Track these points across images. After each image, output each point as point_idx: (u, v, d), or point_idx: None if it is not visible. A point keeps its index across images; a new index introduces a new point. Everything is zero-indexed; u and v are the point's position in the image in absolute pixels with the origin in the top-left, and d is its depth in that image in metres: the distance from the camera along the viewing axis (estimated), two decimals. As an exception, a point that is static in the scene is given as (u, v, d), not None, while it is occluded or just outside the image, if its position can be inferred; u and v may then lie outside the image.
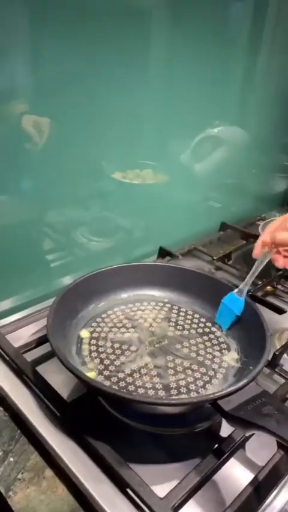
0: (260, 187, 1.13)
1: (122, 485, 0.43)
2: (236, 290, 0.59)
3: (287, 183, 1.16)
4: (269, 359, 0.57)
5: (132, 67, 0.70)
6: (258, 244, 0.56)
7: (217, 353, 0.55)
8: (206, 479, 0.44)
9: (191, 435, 0.49)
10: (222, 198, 1.03)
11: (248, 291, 0.61)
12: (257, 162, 1.09)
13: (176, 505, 0.40)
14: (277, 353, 0.57)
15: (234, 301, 0.59)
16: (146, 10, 0.69)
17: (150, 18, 0.70)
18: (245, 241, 0.92)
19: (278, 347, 0.58)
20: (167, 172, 0.87)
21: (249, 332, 0.55)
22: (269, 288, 0.77)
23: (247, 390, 0.44)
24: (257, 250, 0.56)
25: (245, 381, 0.44)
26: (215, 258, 0.82)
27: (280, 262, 0.57)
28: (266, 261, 0.57)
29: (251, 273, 0.59)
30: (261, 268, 0.58)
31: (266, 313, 0.67)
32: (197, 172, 0.95)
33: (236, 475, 0.46)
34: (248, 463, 0.47)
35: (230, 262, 0.84)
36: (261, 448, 0.48)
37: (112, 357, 0.53)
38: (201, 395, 0.48)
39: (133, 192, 0.84)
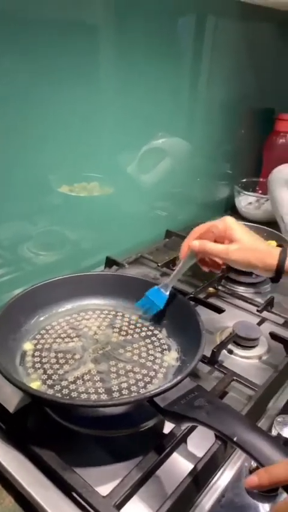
0: (204, 194, 1.18)
1: (66, 489, 0.44)
2: (160, 285, 0.63)
3: (229, 190, 1.22)
4: (208, 356, 0.60)
5: (79, 82, 0.73)
6: (184, 247, 0.60)
7: (158, 354, 0.58)
8: (148, 474, 0.46)
9: (135, 435, 0.51)
10: (168, 206, 1.07)
11: (176, 288, 0.65)
12: (200, 171, 1.14)
13: (118, 502, 0.42)
14: (215, 350, 0.60)
15: (158, 296, 0.62)
16: (94, 25, 0.72)
17: (98, 32, 0.73)
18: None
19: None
20: (114, 184, 0.90)
21: (188, 332, 0.58)
22: (211, 289, 0.81)
23: (182, 386, 0.47)
24: (183, 253, 0.60)
25: (178, 378, 0.47)
26: (159, 264, 0.85)
27: (205, 268, 0.62)
28: (192, 262, 0.61)
29: (175, 271, 0.63)
30: (186, 268, 0.62)
31: (207, 314, 0.71)
32: (143, 183, 0.99)
33: (178, 468, 0.48)
34: (190, 456, 0.50)
35: (175, 267, 0.87)
36: (202, 441, 0.50)
37: (56, 366, 0.54)
38: (137, 395, 0.50)
39: (80, 205, 0.86)
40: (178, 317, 0.62)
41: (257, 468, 0.47)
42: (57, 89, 0.69)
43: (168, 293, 0.62)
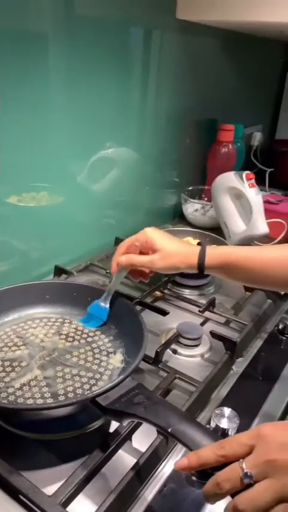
0: (152, 202, 1.22)
1: (13, 492, 0.46)
2: (99, 299, 0.67)
3: (176, 197, 1.27)
4: (153, 356, 0.63)
5: (28, 91, 0.74)
6: (113, 263, 0.64)
7: (104, 358, 0.60)
8: (94, 472, 0.48)
9: (82, 436, 0.53)
10: (117, 214, 1.10)
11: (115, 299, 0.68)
12: (149, 179, 1.18)
13: (64, 500, 0.44)
14: (159, 350, 0.63)
15: (99, 310, 0.67)
16: (43, 34, 0.75)
17: (47, 41, 0.76)
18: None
19: (163, 345, 0.65)
20: (63, 193, 0.92)
21: (132, 335, 0.61)
22: (158, 293, 0.84)
23: (124, 386, 0.49)
24: (114, 268, 0.64)
25: (120, 378, 0.49)
26: (108, 271, 0.88)
27: (136, 277, 0.66)
28: (123, 275, 0.65)
29: (110, 286, 0.67)
30: (119, 281, 0.66)
31: (153, 317, 0.74)
32: (93, 192, 1.01)
33: (122, 464, 0.50)
34: (134, 452, 0.52)
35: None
36: (146, 437, 0.53)
37: (2, 374, 0.55)
38: (79, 396, 0.52)
39: (29, 215, 0.87)
40: (123, 321, 0.64)
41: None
42: (5, 98, 0.71)
43: (108, 305, 0.66)
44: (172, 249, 0.61)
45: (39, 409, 0.46)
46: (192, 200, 1.20)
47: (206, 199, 1.25)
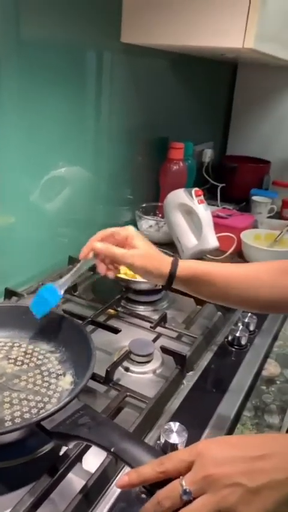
0: (106, 219, 1.23)
1: None
2: (55, 284, 0.65)
3: (131, 214, 1.29)
4: (103, 375, 0.64)
5: None
6: (86, 248, 0.62)
7: (53, 380, 0.60)
8: (42, 498, 0.47)
9: (32, 461, 0.53)
10: (71, 233, 1.10)
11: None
12: (102, 197, 1.19)
13: (11, 529, 0.43)
14: (109, 369, 0.64)
15: (52, 293, 0.64)
16: None
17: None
18: (92, 272, 0.99)
19: (114, 364, 0.65)
20: (13, 212, 0.91)
21: (82, 355, 0.61)
22: (111, 311, 0.85)
23: (69, 407, 0.49)
24: (84, 253, 0.62)
25: (65, 400, 0.49)
26: (61, 291, 0.87)
27: (102, 270, 0.64)
28: (89, 264, 0.63)
29: (72, 271, 0.65)
30: (83, 269, 0.65)
31: (106, 335, 0.75)
32: (45, 211, 1.01)
33: (72, 488, 0.50)
34: (84, 473, 0.52)
35: (77, 293, 0.91)
36: (96, 458, 0.53)
37: None
38: (21, 422, 0.52)
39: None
40: (72, 342, 0.64)
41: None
42: None
43: (62, 293, 0.64)
44: (149, 251, 0.61)
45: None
46: (146, 217, 1.22)
47: (160, 215, 1.28)
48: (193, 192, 1.05)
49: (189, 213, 1.07)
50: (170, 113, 1.40)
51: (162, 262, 0.61)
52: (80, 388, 0.52)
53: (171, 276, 0.60)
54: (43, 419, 0.47)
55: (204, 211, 1.03)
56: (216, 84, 1.73)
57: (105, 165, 1.16)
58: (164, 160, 1.30)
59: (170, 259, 0.62)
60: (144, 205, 1.28)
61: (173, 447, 0.54)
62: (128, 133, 1.20)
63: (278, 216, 1.46)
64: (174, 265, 0.60)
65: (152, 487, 0.38)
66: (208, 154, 1.62)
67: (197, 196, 1.04)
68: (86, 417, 0.47)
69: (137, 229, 1.24)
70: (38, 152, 0.91)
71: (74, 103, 0.98)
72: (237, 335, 0.78)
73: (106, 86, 1.07)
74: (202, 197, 1.05)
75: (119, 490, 0.50)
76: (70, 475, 0.51)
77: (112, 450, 0.42)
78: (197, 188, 1.06)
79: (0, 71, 0.77)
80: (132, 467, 0.40)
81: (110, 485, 0.51)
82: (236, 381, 0.70)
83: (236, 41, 0.89)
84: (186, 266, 0.61)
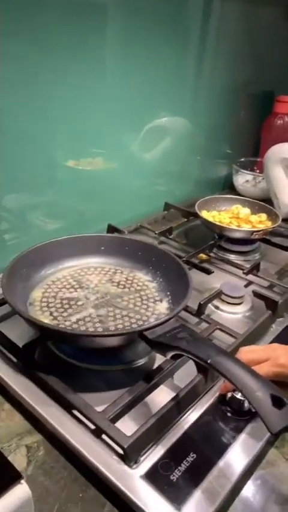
0: (203, 172, 1.24)
1: (68, 407, 0.52)
2: None
3: (227, 168, 1.28)
4: (196, 308, 0.68)
5: (86, 63, 0.79)
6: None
7: (151, 304, 0.65)
8: (138, 399, 0.53)
9: (128, 370, 0.59)
10: (167, 182, 1.14)
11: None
12: (201, 150, 1.20)
13: (112, 417, 0.50)
14: (202, 303, 0.67)
15: None
16: (102, 3, 0.78)
17: (105, 10, 0.79)
18: (186, 219, 1.02)
19: (206, 300, 0.69)
20: (117, 160, 0.97)
21: (178, 287, 0.65)
22: (203, 256, 0.87)
23: (169, 324, 0.54)
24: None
25: (166, 317, 0.54)
26: (157, 232, 0.92)
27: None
28: None
29: None
30: None
31: (198, 276, 0.78)
32: (145, 160, 1.05)
33: (164, 397, 0.55)
34: (174, 387, 0.57)
35: (171, 236, 0.94)
36: (187, 376, 0.57)
37: (61, 310, 0.62)
38: (129, 328, 0.58)
39: (85, 178, 0.93)
40: (170, 274, 0.69)
41: (232, 399, 0.54)
42: (65, 68, 0.76)
43: None
44: None
45: (93, 336, 0.52)
46: (243, 171, 1.21)
47: (258, 171, 1.25)
48: (299, 146, 1.01)
49: (291, 169, 1.04)
50: (279, 66, 1.33)
51: None
52: (179, 309, 0.56)
53: None
54: (147, 329, 0.52)
55: (308, 167, 0.99)
56: None
57: (205, 117, 1.15)
58: (268, 114, 1.25)
59: None
60: (242, 159, 1.26)
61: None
62: (231, 86, 1.17)
63: None
64: None
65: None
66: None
67: (302, 150, 1.00)
68: (184, 333, 0.51)
69: (232, 183, 1.24)
70: (140, 103, 0.94)
71: (179, 54, 0.98)
72: None
73: (213, 36, 1.05)
74: (308, 152, 1.01)
75: (207, 404, 0.55)
76: (162, 386, 0.57)
77: (209, 361, 0.45)
78: (303, 143, 1.02)
79: (108, 21, 0.80)
80: (226, 377, 0.44)
81: (199, 400, 0.55)
82: None
83: None
84: None
